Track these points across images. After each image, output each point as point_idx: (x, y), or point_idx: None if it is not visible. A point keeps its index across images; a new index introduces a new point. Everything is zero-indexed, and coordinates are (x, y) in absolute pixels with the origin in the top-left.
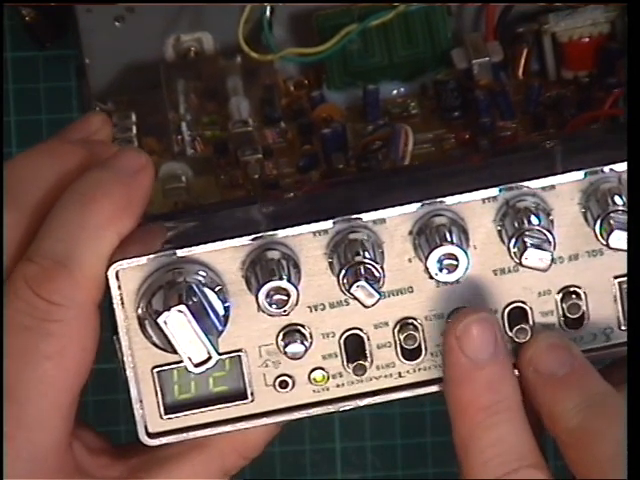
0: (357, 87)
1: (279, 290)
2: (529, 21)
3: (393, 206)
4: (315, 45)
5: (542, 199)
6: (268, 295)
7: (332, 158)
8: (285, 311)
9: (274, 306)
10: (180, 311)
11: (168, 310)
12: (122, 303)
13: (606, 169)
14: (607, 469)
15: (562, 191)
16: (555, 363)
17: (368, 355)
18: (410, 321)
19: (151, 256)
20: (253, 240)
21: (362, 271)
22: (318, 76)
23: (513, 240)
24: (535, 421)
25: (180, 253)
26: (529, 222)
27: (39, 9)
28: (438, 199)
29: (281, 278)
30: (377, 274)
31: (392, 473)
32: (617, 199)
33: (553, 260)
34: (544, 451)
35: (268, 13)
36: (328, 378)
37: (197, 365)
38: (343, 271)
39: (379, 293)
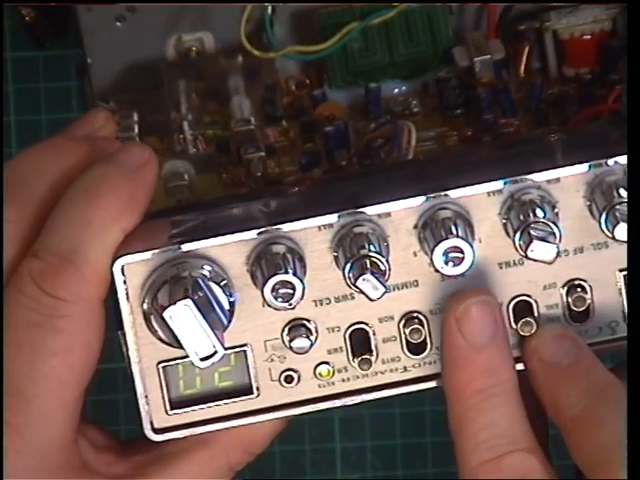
0: (359, 86)
1: (285, 284)
2: (530, 19)
3: (398, 199)
4: (316, 44)
5: (547, 192)
6: (274, 289)
7: (335, 156)
8: (291, 305)
9: (280, 300)
10: (186, 305)
11: (174, 304)
12: (127, 298)
13: (611, 162)
14: (607, 455)
15: (567, 184)
16: (560, 352)
17: (373, 349)
18: (415, 315)
19: (156, 251)
20: (258, 234)
21: (368, 264)
22: (319, 75)
23: (518, 233)
24: (537, 410)
25: (185, 248)
26: (534, 215)
27: (39, 9)
28: (443, 192)
29: (287, 272)
30: (383, 267)
31: (392, 473)
32: (622, 192)
33: (558, 253)
34: (547, 449)
35: (269, 12)
36: (333, 373)
37: (203, 359)
38: (348, 265)
39: (385, 286)
